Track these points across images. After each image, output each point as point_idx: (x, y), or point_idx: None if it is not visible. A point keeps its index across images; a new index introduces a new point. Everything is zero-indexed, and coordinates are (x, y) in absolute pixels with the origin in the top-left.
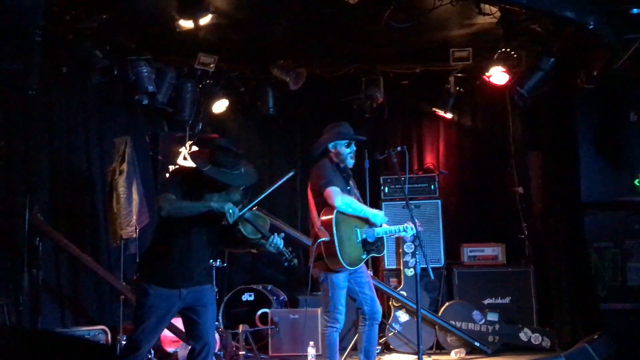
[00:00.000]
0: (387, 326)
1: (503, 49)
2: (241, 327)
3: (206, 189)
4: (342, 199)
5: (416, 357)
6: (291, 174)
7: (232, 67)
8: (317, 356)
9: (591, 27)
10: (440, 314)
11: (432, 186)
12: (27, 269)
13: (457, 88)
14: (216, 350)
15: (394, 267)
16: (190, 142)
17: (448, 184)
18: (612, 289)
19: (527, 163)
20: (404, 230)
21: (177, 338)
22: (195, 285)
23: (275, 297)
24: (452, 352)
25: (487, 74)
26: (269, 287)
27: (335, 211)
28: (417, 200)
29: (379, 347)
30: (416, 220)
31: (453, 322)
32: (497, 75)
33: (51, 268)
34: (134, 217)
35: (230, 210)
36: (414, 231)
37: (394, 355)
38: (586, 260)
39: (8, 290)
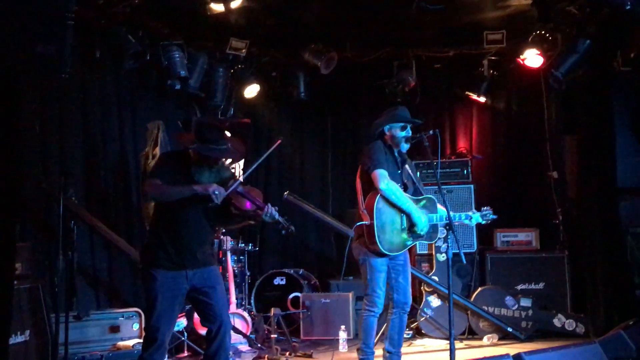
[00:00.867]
0: (419, 311)
1: (538, 31)
2: (273, 311)
3: (197, 168)
4: (388, 184)
5: (448, 342)
6: (278, 142)
7: (263, 52)
8: (348, 340)
9: (628, 7)
10: (472, 299)
11: (465, 171)
12: (62, 251)
13: (491, 71)
14: (248, 333)
15: (426, 252)
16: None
17: (481, 169)
18: None
19: (562, 147)
20: (468, 219)
21: None
22: (201, 267)
23: (306, 281)
24: (485, 338)
25: (521, 56)
26: (301, 271)
27: (378, 195)
28: (450, 185)
29: (410, 332)
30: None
31: (485, 308)
32: (532, 58)
33: (86, 251)
34: None
35: (216, 192)
36: (480, 219)
37: (426, 339)
38: (622, 245)
39: (44, 272)
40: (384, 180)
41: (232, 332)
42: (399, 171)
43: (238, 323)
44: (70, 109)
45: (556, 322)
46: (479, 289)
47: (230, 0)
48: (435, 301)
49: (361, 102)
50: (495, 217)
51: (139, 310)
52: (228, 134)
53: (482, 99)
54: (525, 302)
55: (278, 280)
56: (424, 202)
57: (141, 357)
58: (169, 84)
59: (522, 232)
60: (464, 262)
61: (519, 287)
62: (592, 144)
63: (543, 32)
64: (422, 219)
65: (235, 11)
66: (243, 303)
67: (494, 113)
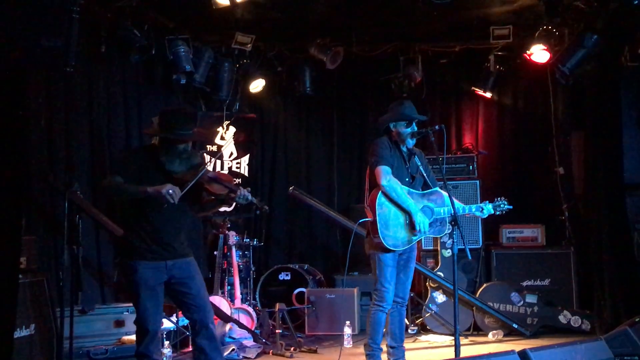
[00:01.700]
0: (424, 307)
1: (544, 27)
2: (278, 306)
3: (166, 157)
4: (389, 180)
5: (453, 338)
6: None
7: (269, 46)
8: (353, 335)
9: (636, 2)
10: (477, 295)
11: (471, 166)
12: (68, 245)
13: (497, 66)
14: (253, 328)
15: (431, 247)
16: (227, 122)
17: (487, 165)
18: None
19: (569, 143)
20: (479, 211)
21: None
22: (179, 258)
23: (311, 277)
24: (490, 334)
25: (528, 52)
26: (306, 266)
27: (380, 192)
28: (456, 180)
29: (415, 328)
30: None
31: (491, 304)
32: (539, 54)
33: (91, 245)
34: None
35: (170, 192)
36: (492, 210)
37: (431, 335)
38: (628, 242)
39: (49, 266)
40: (385, 176)
41: (236, 327)
42: (407, 165)
43: (243, 318)
44: (76, 103)
45: (562, 318)
46: (485, 285)
47: None
48: (440, 297)
49: (367, 97)
50: (510, 207)
51: None
52: (232, 128)
53: (489, 95)
54: (531, 299)
55: (283, 276)
56: (431, 196)
57: (137, 352)
58: (175, 79)
59: (528, 228)
60: (470, 258)
61: (525, 284)
62: (598, 140)
63: (550, 27)
64: (422, 220)
65: (241, 5)
66: (248, 298)
67: (500, 108)
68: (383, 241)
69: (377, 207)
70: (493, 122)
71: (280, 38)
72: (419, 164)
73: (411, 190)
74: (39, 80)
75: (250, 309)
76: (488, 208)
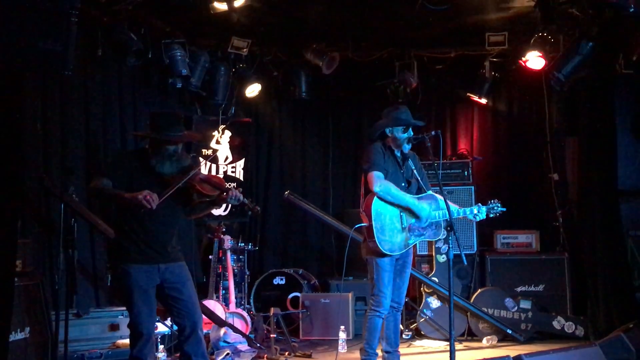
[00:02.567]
0: (419, 312)
1: (540, 33)
2: (272, 310)
3: (156, 160)
4: (382, 185)
5: (447, 343)
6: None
7: (265, 51)
8: (347, 340)
9: (632, 10)
10: (472, 300)
11: (466, 172)
12: (63, 249)
13: (493, 73)
14: (247, 332)
15: (426, 253)
16: (223, 126)
17: (482, 170)
18: None
19: (563, 149)
20: (473, 214)
21: (208, 320)
22: (172, 262)
23: (306, 281)
24: (484, 339)
25: (523, 58)
26: (300, 271)
27: (375, 197)
28: (451, 186)
29: (410, 333)
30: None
31: (485, 309)
32: (534, 60)
33: (86, 248)
34: None
35: (147, 197)
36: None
37: (425, 341)
38: (622, 248)
39: (44, 269)
40: (377, 182)
41: (231, 331)
42: (402, 170)
43: (237, 322)
44: (72, 106)
45: (556, 324)
46: (479, 290)
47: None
48: (435, 302)
49: (363, 102)
50: (504, 209)
51: None
52: (228, 133)
53: (484, 101)
54: (525, 304)
55: (278, 280)
56: (426, 200)
57: (131, 355)
58: (171, 83)
59: (523, 233)
60: (465, 263)
61: (519, 289)
62: (593, 146)
63: (545, 34)
64: (424, 208)
65: (237, 10)
66: (242, 302)
67: (495, 114)
68: (379, 246)
69: (372, 212)
70: (488, 128)
71: (276, 43)
72: (413, 167)
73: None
74: (35, 83)
75: (245, 314)
76: (482, 211)
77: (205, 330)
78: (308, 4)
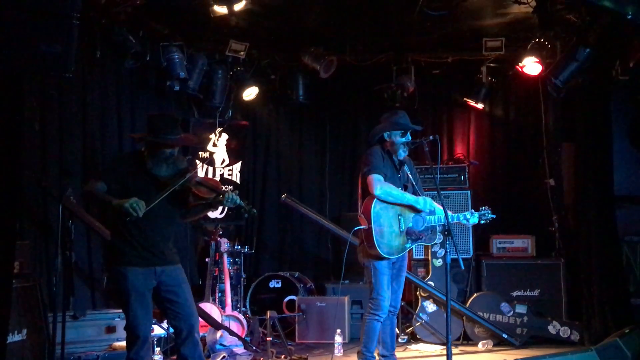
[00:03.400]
0: (415, 316)
1: (537, 39)
2: (269, 313)
3: (153, 162)
4: (382, 187)
5: (443, 347)
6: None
7: (263, 54)
8: (343, 344)
9: (629, 17)
10: (468, 305)
11: (462, 177)
12: (61, 250)
13: (489, 78)
14: (243, 335)
15: (422, 257)
16: (220, 129)
17: (478, 175)
18: None
19: (559, 155)
20: (465, 219)
21: (205, 323)
22: (168, 265)
23: (302, 285)
24: (480, 344)
25: (520, 64)
26: (296, 274)
27: (374, 200)
28: (447, 190)
29: (406, 337)
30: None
31: (481, 314)
32: (531, 66)
33: (83, 250)
34: None
35: (134, 205)
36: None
37: (421, 344)
38: (617, 254)
39: (41, 270)
40: (377, 185)
41: (227, 334)
42: (399, 175)
43: (234, 325)
44: (70, 108)
45: (551, 329)
46: (475, 294)
47: (234, 3)
48: (430, 306)
49: (360, 106)
50: (494, 216)
51: None
52: (225, 135)
53: (480, 106)
54: (521, 309)
55: (274, 283)
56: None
57: (127, 358)
58: (169, 85)
59: (518, 238)
60: (462, 267)
61: (515, 294)
62: (589, 152)
63: (542, 40)
64: (426, 201)
65: (236, 13)
66: (238, 305)
67: (491, 119)
68: (378, 249)
69: (372, 215)
70: (484, 132)
71: (274, 46)
72: (409, 172)
73: None
74: (34, 84)
75: (241, 317)
76: (474, 217)
77: (201, 333)
78: (306, 8)
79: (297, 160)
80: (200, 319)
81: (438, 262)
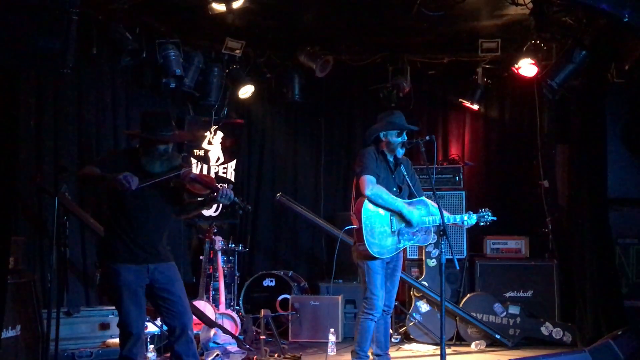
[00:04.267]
0: (408, 316)
1: (533, 41)
2: (263, 312)
3: (147, 159)
4: (373, 189)
5: (436, 347)
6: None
7: (259, 52)
8: (337, 343)
9: (626, 20)
10: (461, 305)
11: (457, 177)
12: (56, 247)
13: (485, 79)
14: (237, 334)
15: (416, 257)
16: (215, 127)
17: (473, 176)
18: (636, 286)
19: (554, 156)
20: (463, 221)
21: (198, 321)
22: (162, 262)
23: (296, 284)
24: (473, 344)
25: (515, 65)
26: (290, 273)
27: (365, 200)
28: (442, 191)
29: (399, 337)
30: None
31: (474, 314)
32: (526, 67)
33: (77, 247)
34: None
35: (128, 178)
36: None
37: (414, 344)
38: (610, 256)
39: (35, 266)
40: (369, 186)
41: (221, 332)
42: (393, 175)
43: (227, 323)
44: (65, 104)
45: (544, 330)
46: (468, 295)
47: (233, 1)
48: (424, 306)
49: (355, 106)
50: (494, 218)
51: None
52: (220, 133)
53: (476, 107)
54: (514, 310)
55: (267, 282)
56: (417, 205)
57: (121, 355)
58: (164, 82)
59: (512, 239)
60: (457, 268)
61: (508, 295)
62: (583, 154)
63: (538, 41)
64: (414, 214)
65: (233, 11)
66: (232, 304)
67: (486, 121)
68: (369, 249)
69: (363, 215)
70: (479, 133)
71: (270, 45)
72: (405, 173)
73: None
74: (29, 80)
75: (235, 315)
76: (472, 218)
77: (195, 331)
78: (303, 7)
79: (292, 159)
80: (193, 317)
81: (432, 262)
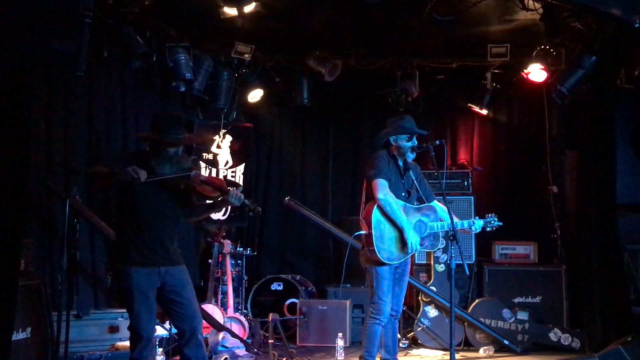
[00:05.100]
0: (416, 321)
1: (542, 46)
2: (271, 316)
3: (157, 161)
4: (386, 194)
5: (444, 352)
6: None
7: (268, 57)
8: (345, 348)
9: (637, 25)
10: (469, 310)
11: (466, 182)
12: (67, 249)
13: (494, 84)
14: (245, 337)
15: (424, 262)
16: (224, 131)
17: (481, 181)
18: None
19: (563, 162)
20: (470, 226)
21: (207, 324)
22: (173, 265)
23: (303, 288)
24: (481, 350)
25: (525, 70)
26: (298, 277)
27: (376, 205)
28: (450, 195)
29: (407, 342)
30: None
31: (482, 320)
32: (536, 73)
33: (86, 250)
34: None
35: (136, 169)
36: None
37: (422, 350)
38: (619, 262)
39: (45, 269)
40: (382, 190)
41: (229, 336)
42: (402, 180)
43: (235, 327)
44: (76, 107)
45: (552, 336)
46: (477, 300)
47: (245, 5)
48: (432, 311)
49: (363, 110)
50: (500, 224)
51: None
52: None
53: (484, 111)
54: (522, 315)
55: (275, 286)
56: (426, 211)
57: (131, 358)
58: (174, 86)
59: (521, 245)
60: (467, 273)
61: (516, 300)
62: (592, 160)
63: (547, 47)
64: (413, 238)
65: (245, 15)
66: (240, 307)
67: (495, 125)
68: (378, 254)
69: (372, 220)
70: (488, 138)
71: (279, 49)
72: (414, 178)
73: (407, 205)
74: (40, 83)
75: (243, 318)
76: (479, 224)
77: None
78: (312, 12)
79: (300, 163)
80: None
81: (440, 267)
